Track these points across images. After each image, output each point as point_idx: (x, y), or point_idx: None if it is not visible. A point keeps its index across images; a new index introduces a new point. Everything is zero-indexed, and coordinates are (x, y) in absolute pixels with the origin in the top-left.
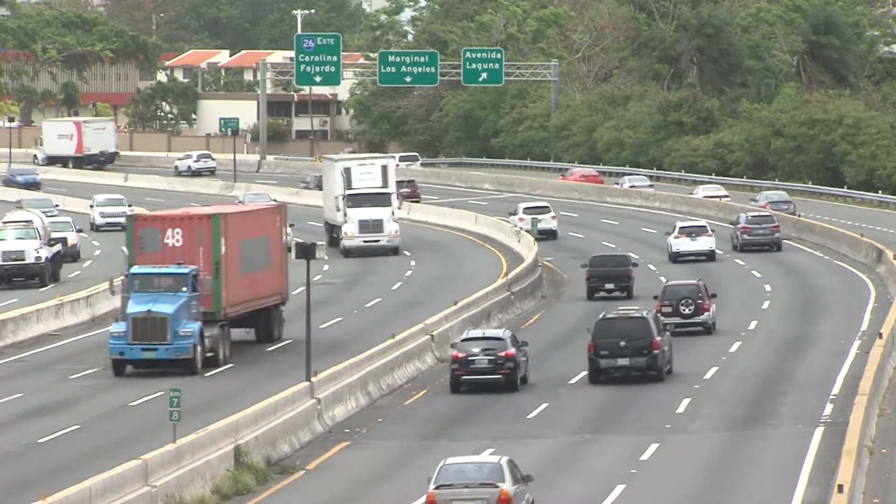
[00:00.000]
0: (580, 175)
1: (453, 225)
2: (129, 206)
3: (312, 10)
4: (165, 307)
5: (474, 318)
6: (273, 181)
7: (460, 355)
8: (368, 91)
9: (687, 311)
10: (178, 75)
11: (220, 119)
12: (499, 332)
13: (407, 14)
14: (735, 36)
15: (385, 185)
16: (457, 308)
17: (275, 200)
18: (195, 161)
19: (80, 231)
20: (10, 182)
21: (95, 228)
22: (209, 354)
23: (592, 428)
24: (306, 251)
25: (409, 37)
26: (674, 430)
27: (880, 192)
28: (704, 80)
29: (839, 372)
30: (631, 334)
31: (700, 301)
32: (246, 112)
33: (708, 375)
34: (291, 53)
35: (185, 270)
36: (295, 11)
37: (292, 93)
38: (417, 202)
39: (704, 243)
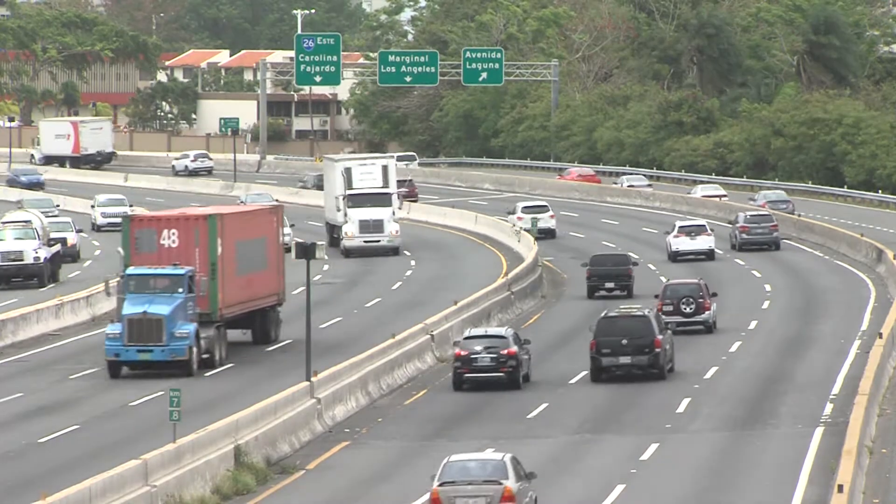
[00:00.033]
0: (577, 175)
1: (453, 225)
2: (131, 206)
3: (312, 10)
4: (161, 308)
5: (474, 317)
6: (273, 181)
7: (463, 353)
8: (368, 91)
9: (688, 309)
10: (178, 75)
11: (220, 119)
12: (501, 331)
13: (407, 14)
14: (735, 36)
15: (386, 185)
16: (457, 308)
17: (277, 201)
18: (192, 161)
19: (79, 231)
20: (13, 182)
21: (97, 229)
22: (205, 356)
23: (592, 428)
24: (306, 251)
25: (409, 37)
26: (674, 430)
27: (880, 191)
28: (704, 80)
29: (839, 372)
30: (633, 333)
31: (701, 300)
32: (246, 112)
33: (708, 375)
34: (291, 53)
35: (181, 271)
36: (295, 11)
37: (292, 93)
38: (415, 201)
39: (704, 242)
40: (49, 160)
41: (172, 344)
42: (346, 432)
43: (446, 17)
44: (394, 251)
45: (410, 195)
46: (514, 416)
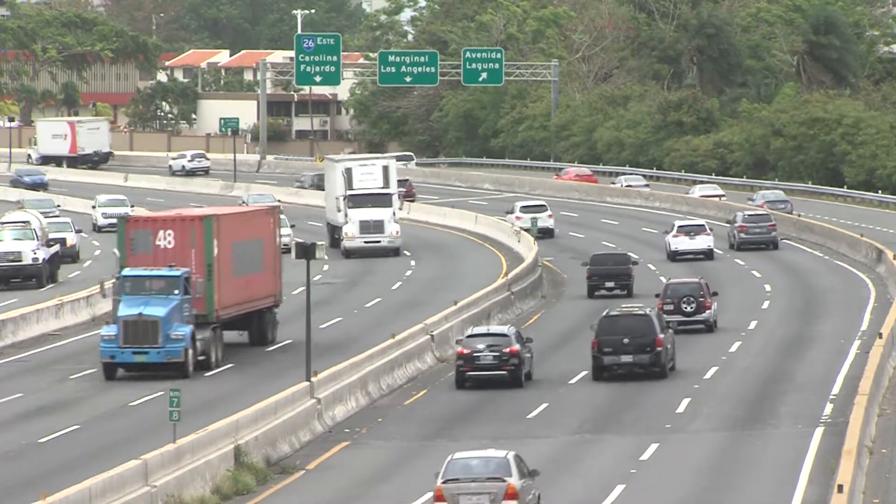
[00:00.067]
0: (575, 175)
1: (453, 225)
2: (132, 206)
3: (312, 10)
4: (157, 310)
5: (474, 318)
6: (273, 181)
7: (465, 351)
8: (368, 91)
9: (689, 309)
10: (178, 75)
11: (220, 119)
12: (503, 329)
13: (407, 14)
14: (735, 36)
15: (386, 185)
16: (457, 308)
17: (279, 201)
18: (189, 161)
19: (79, 231)
20: (17, 182)
21: (97, 229)
22: (201, 358)
23: (592, 428)
24: (306, 251)
25: (409, 37)
26: (674, 430)
27: (880, 192)
28: (704, 80)
29: (839, 372)
30: (634, 331)
31: (702, 299)
32: (246, 112)
33: (708, 375)
34: (291, 53)
35: (177, 273)
36: (295, 11)
37: (292, 93)
38: (412, 201)
39: (703, 242)
40: (46, 160)
41: (168, 346)
42: (346, 432)
43: (446, 17)
44: (394, 252)
45: (408, 195)
46: (514, 416)
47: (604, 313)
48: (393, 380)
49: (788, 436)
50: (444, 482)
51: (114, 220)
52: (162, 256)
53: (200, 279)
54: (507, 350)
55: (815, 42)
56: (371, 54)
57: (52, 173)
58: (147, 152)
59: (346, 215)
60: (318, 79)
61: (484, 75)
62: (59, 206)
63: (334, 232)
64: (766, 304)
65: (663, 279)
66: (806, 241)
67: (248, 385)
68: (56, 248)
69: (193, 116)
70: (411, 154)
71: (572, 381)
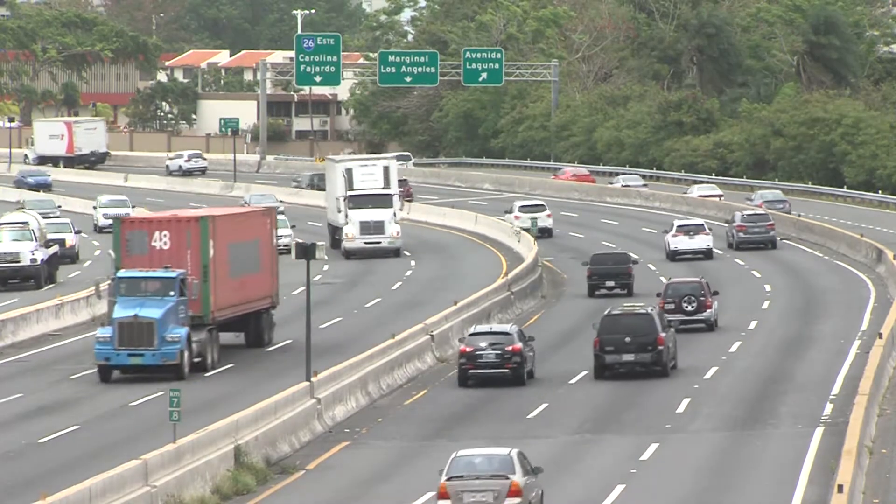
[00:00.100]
0: (572, 174)
1: (453, 225)
2: (133, 206)
3: (312, 10)
4: (152, 312)
5: (474, 318)
6: (273, 181)
7: (468, 349)
8: (368, 91)
9: (689, 308)
10: (178, 75)
11: (220, 119)
12: (506, 327)
13: (407, 14)
14: (735, 36)
15: (387, 186)
16: (457, 308)
17: (281, 201)
18: (186, 161)
19: (78, 232)
20: (21, 183)
21: (98, 230)
22: (197, 359)
23: (592, 428)
24: (306, 251)
25: (409, 37)
26: (674, 430)
27: (880, 192)
28: (704, 80)
29: (839, 372)
30: (636, 330)
31: (702, 298)
32: (246, 112)
33: (708, 375)
34: (291, 53)
35: (173, 274)
36: (295, 11)
37: (292, 93)
38: (410, 201)
39: (702, 242)
40: (43, 160)
41: (163, 348)
42: (346, 432)
43: (446, 17)
44: (395, 253)
45: (406, 195)
46: (514, 416)
47: (605, 312)
48: (393, 380)
49: (788, 436)
50: (448, 479)
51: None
52: (158, 258)
53: (196, 280)
54: (510, 348)
55: (815, 42)
56: (371, 54)
57: (51, 174)
58: (147, 152)
59: (346, 216)
60: (318, 79)
61: (484, 75)
62: (59, 206)
63: (335, 233)
64: (766, 304)
65: (663, 279)
66: (806, 241)
67: (248, 385)
68: (55, 248)
69: (193, 116)
70: (409, 154)
71: (572, 381)
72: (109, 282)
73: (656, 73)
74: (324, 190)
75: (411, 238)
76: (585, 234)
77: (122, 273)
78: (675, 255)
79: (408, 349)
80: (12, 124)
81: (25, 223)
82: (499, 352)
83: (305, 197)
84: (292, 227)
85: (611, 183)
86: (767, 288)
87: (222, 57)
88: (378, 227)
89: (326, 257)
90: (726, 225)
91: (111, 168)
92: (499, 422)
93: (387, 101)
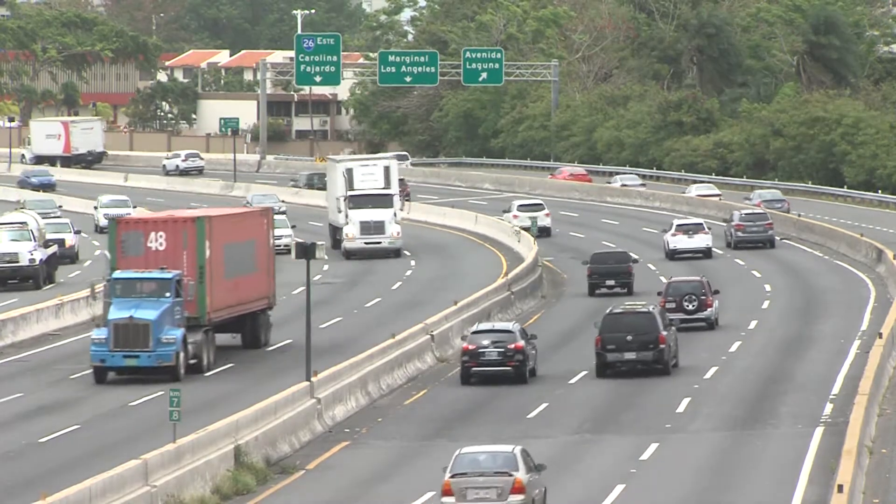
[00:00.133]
0: (569, 174)
1: (453, 225)
2: (134, 206)
3: (312, 10)
4: (148, 313)
5: (474, 318)
6: (273, 181)
7: (471, 347)
8: (368, 91)
9: (690, 307)
10: (178, 75)
11: (220, 119)
12: (508, 325)
13: (407, 14)
14: (735, 36)
15: (387, 186)
16: (457, 308)
17: (283, 202)
18: (183, 160)
19: (78, 232)
20: (24, 183)
21: (99, 230)
22: (193, 361)
23: (592, 428)
24: (306, 251)
25: (409, 37)
26: (674, 429)
27: (880, 192)
28: (704, 80)
29: (839, 372)
30: (638, 329)
31: (703, 297)
32: (246, 112)
33: (708, 375)
34: (291, 53)
35: (169, 275)
36: (295, 11)
37: (292, 93)
38: (408, 200)
39: (701, 241)
40: (40, 160)
41: (159, 349)
42: (346, 432)
43: (446, 17)
44: (395, 253)
45: (403, 194)
46: (514, 415)
47: (607, 311)
48: (393, 380)
49: (788, 436)
50: (451, 476)
51: None
52: (153, 258)
53: (192, 281)
54: (512, 346)
55: (815, 42)
56: (371, 54)
57: (55, 174)
58: (147, 152)
59: (346, 216)
60: (318, 79)
61: (484, 75)
62: (60, 206)
63: (336, 233)
64: (766, 304)
65: (663, 279)
66: (806, 240)
67: (248, 385)
68: (54, 248)
69: (193, 116)
70: (406, 154)
71: (572, 380)
72: (105, 283)
73: (656, 73)
74: (321, 189)
75: (411, 238)
76: (586, 233)
77: (117, 274)
78: (674, 255)
79: (408, 349)
80: (12, 124)
81: (24, 223)
82: (501, 350)
83: (305, 197)
84: (293, 227)
85: (609, 182)
86: (767, 288)
87: (222, 57)
88: (378, 228)
89: (326, 257)
90: (725, 224)
91: (111, 168)
92: (499, 421)
93: (387, 101)
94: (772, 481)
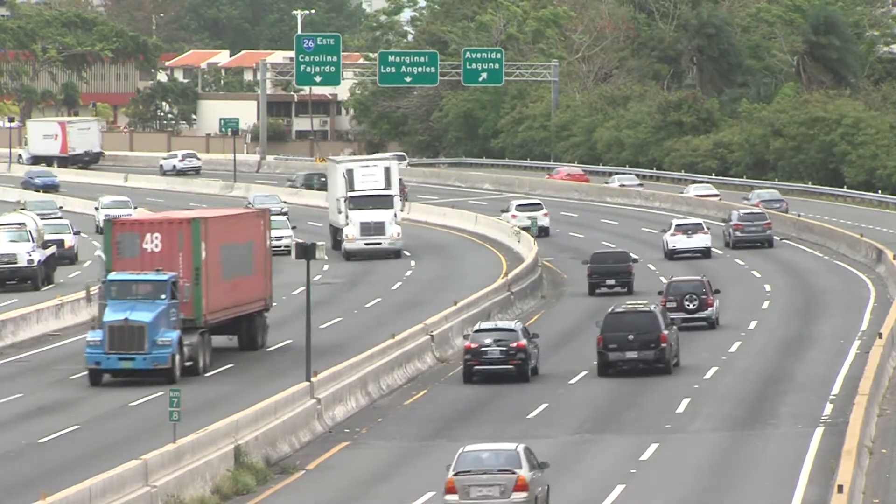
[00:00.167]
0: (566, 174)
1: (453, 225)
2: (135, 207)
3: (312, 11)
4: (143, 315)
5: (474, 318)
6: (273, 181)
7: (473, 346)
8: (368, 91)
9: (691, 306)
10: (178, 75)
11: (220, 119)
12: (511, 324)
13: (407, 14)
14: (735, 36)
15: (388, 186)
16: (457, 308)
17: (285, 202)
18: (180, 160)
19: (77, 233)
20: (28, 184)
21: (100, 231)
22: (188, 363)
23: (592, 428)
24: (306, 251)
25: (409, 37)
26: (674, 430)
27: (880, 192)
28: (704, 80)
29: (839, 372)
30: (639, 328)
31: (704, 296)
32: (246, 112)
33: (708, 375)
34: (291, 53)
35: (164, 277)
36: (295, 11)
37: (292, 93)
38: (406, 201)
39: (700, 241)
40: (37, 160)
41: (155, 352)
42: (346, 432)
43: (446, 17)
44: (395, 254)
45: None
46: (514, 416)
47: (609, 310)
48: (393, 380)
49: (788, 436)
50: (455, 474)
51: None
52: (149, 260)
53: (188, 283)
54: (514, 345)
55: (815, 42)
56: (371, 54)
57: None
58: (147, 153)
59: (346, 217)
60: (318, 79)
61: (484, 75)
62: (61, 207)
63: (336, 234)
64: (766, 304)
65: (663, 279)
66: (806, 241)
67: (248, 385)
68: (52, 249)
69: (193, 117)
70: (404, 154)
71: (572, 380)
72: (100, 285)
73: (656, 73)
74: (318, 189)
75: (411, 238)
76: (585, 234)
77: (112, 276)
78: (673, 255)
79: (408, 349)
80: (12, 124)
81: (22, 224)
82: (503, 348)
83: (305, 197)
84: (293, 227)
85: (607, 182)
86: (767, 288)
87: (222, 57)
88: (378, 228)
89: (326, 257)
90: (722, 224)
91: (112, 168)
92: (499, 422)
93: (387, 101)
94: (772, 481)
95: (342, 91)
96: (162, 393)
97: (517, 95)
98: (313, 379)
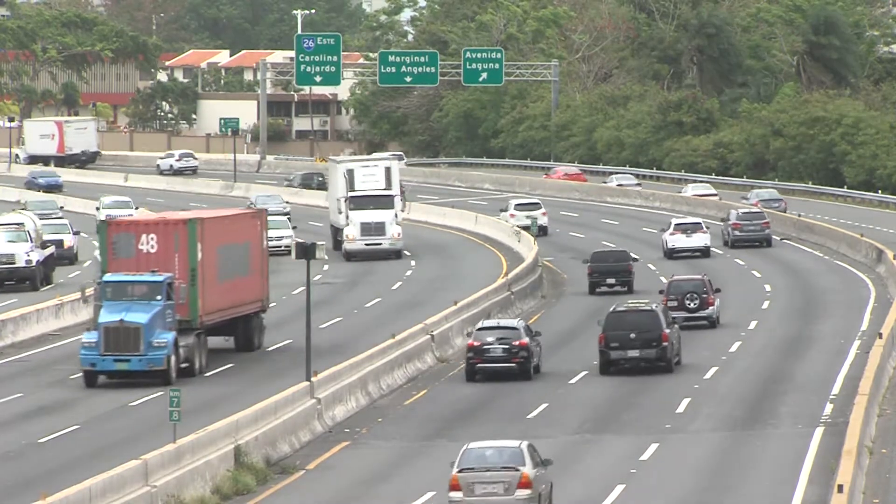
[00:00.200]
0: (563, 174)
1: (453, 225)
2: (136, 207)
3: (312, 10)
4: (139, 317)
5: (474, 317)
6: (273, 181)
7: (476, 344)
8: (368, 91)
9: (692, 305)
10: (178, 75)
11: (220, 119)
12: (513, 322)
13: (407, 14)
14: (735, 36)
15: (388, 187)
16: (457, 308)
17: (287, 202)
18: (177, 160)
19: (77, 233)
20: (32, 184)
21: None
22: (184, 365)
23: (592, 428)
24: (306, 251)
25: (409, 37)
26: (674, 430)
27: (880, 192)
28: (704, 80)
29: (839, 372)
30: (641, 327)
31: (705, 295)
32: (246, 112)
33: (708, 375)
34: (291, 53)
35: (160, 278)
36: (295, 11)
37: (292, 93)
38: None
39: (699, 240)
40: (34, 160)
41: (150, 353)
42: (346, 432)
43: (446, 17)
44: (396, 254)
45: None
46: (514, 415)
47: (611, 309)
48: (393, 380)
49: (788, 436)
50: (459, 471)
51: None
52: (145, 261)
53: (184, 284)
54: (517, 343)
55: (815, 42)
56: (371, 54)
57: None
58: (147, 152)
59: (346, 217)
60: (318, 79)
61: (484, 75)
62: (62, 207)
63: (337, 234)
64: (766, 304)
65: (663, 279)
66: (806, 241)
67: (248, 385)
68: (51, 249)
69: (193, 116)
70: (402, 154)
71: (572, 380)
72: (95, 285)
73: (656, 73)
74: (315, 189)
75: (411, 238)
76: (585, 233)
77: (108, 277)
78: (672, 254)
79: (408, 349)
80: (12, 124)
81: (21, 224)
82: (506, 346)
83: (305, 197)
84: (294, 227)
85: (605, 182)
86: (767, 288)
87: (222, 57)
88: (379, 229)
89: (326, 257)
90: (720, 223)
91: (112, 168)
92: (499, 421)
93: (387, 101)
94: (772, 481)
95: (342, 91)
96: (162, 393)
97: (517, 95)
98: (313, 379)
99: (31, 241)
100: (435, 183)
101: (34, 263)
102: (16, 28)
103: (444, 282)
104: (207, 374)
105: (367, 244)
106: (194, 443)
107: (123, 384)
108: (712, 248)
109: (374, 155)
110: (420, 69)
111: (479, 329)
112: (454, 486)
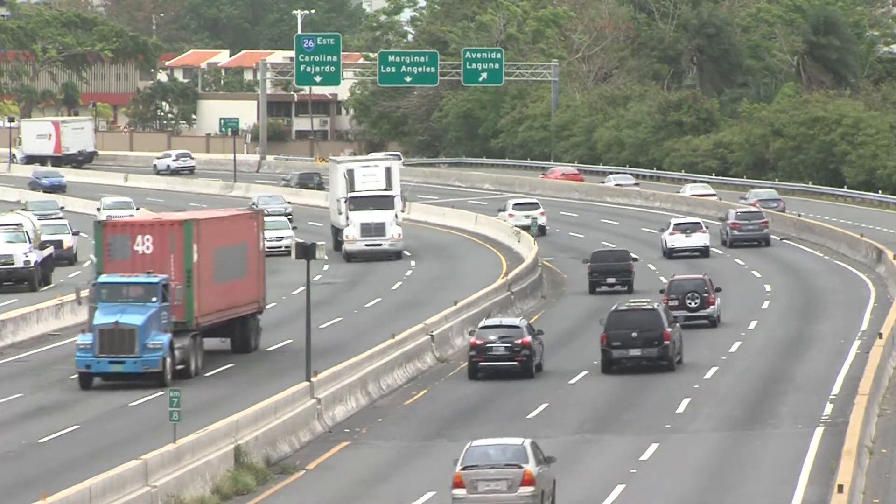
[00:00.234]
0: (561, 174)
1: (453, 225)
2: (137, 208)
3: (312, 10)
4: (134, 318)
5: (474, 317)
6: (273, 181)
7: (478, 342)
8: (368, 91)
9: (693, 304)
10: (178, 75)
11: (220, 119)
12: (515, 321)
13: (407, 14)
14: (735, 36)
15: (388, 187)
16: (457, 308)
17: (289, 203)
18: (174, 160)
19: (76, 233)
20: (35, 185)
21: None
22: (180, 367)
23: (592, 428)
24: (306, 252)
25: (409, 37)
26: (674, 430)
27: (880, 192)
28: (704, 80)
29: (839, 372)
30: (642, 326)
31: (706, 295)
32: (246, 112)
33: (708, 375)
34: (291, 53)
35: (155, 280)
36: (295, 11)
37: (292, 93)
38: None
39: (698, 240)
40: (31, 160)
41: (145, 355)
42: (346, 432)
43: (446, 17)
44: (396, 255)
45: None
46: (514, 415)
47: (612, 308)
48: (393, 380)
49: (788, 436)
50: (462, 469)
51: None
52: (140, 262)
53: (179, 286)
54: (519, 341)
55: (815, 42)
56: (371, 54)
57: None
58: (147, 152)
59: (346, 217)
60: (318, 79)
61: (484, 75)
62: (62, 207)
63: (338, 234)
64: (766, 304)
65: (663, 279)
66: (806, 241)
67: (247, 385)
68: (49, 250)
69: (193, 116)
70: (399, 154)
71: (573, 380)
72: (90, 287)
73: (656, 73)
74: (312, 189)
75: (411, 238)
76: (585, 233)
77: (102, 278)
78: (671, 254)
79: (408, 349)
80: (12, 124)
81: (19, 224)
82: (508, 345)
83: (305, 197)
84: (294, 228)
85: (603, 182)
86: (767, 288)
87: (222, 57)
88: (379, 229)
89: (326, 257)
90: (719, 223)
91: (112, 168)
92: (499, 421)
93: (387, 101)
94: (772, 481)
95: (342, 91)
96: (162, 393)
97: (517, 95)
98: (313, 379)
99: (30, 242)
100: (435, 183)
101: (32, 264)
102: (16, 28)
103: (444, 282)
104: (207, 374)
105: (367, 245)
106: (194, 443)
107: (122, 385)
108: (711, 248)
109: (373, 155)
110: (420, 69)
111: (482, 327)
112: (458, 483)
